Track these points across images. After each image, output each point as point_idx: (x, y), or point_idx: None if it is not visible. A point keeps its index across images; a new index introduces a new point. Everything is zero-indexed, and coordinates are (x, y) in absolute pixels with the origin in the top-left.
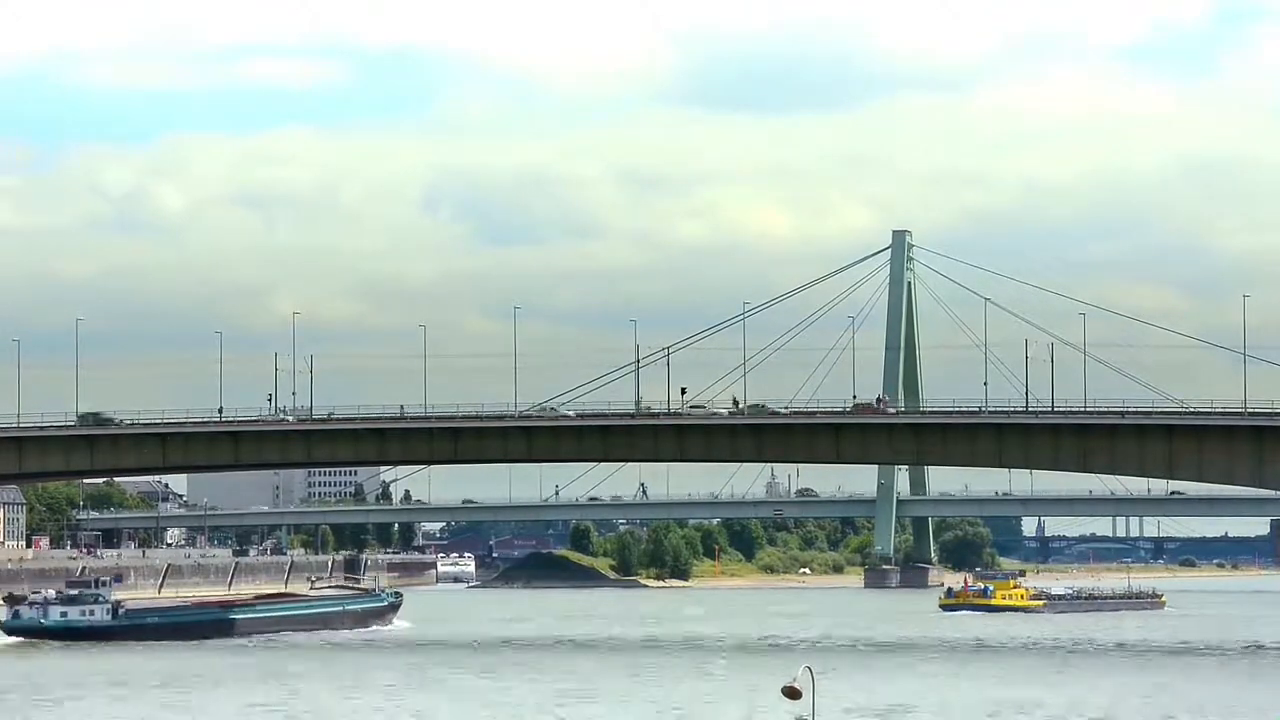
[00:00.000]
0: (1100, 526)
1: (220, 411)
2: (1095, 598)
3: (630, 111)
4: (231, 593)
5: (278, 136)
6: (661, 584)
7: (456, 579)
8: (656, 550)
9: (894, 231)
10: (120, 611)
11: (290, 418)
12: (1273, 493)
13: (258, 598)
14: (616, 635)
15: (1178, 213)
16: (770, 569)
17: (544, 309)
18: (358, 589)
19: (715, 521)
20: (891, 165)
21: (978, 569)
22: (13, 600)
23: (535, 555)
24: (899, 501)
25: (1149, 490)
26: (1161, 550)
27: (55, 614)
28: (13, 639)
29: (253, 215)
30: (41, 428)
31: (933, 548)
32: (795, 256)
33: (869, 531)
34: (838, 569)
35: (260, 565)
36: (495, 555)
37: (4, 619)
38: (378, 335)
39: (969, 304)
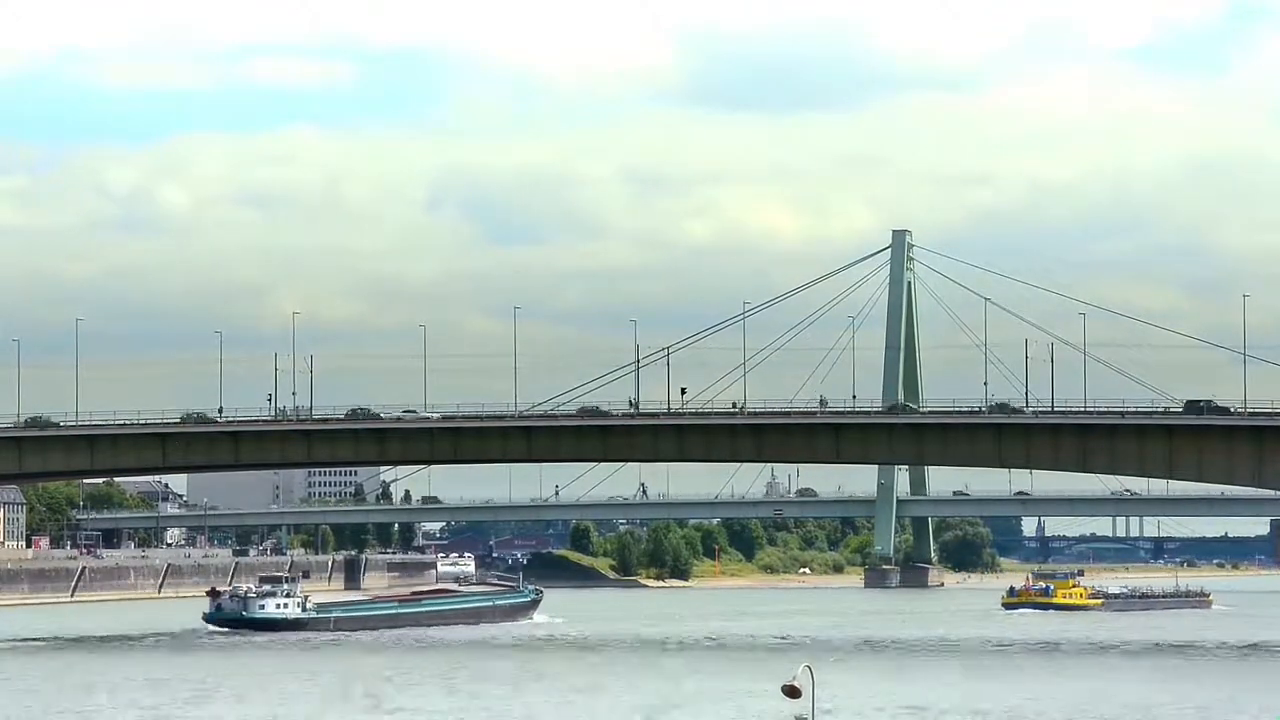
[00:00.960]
0: (1100, 526)
1: (220, 411)
2: (1147, 596)
3: (634, 111)
4: (392, 591)
5: (282, 136)
6: (661, 584)
7: (457, 579)
8: (656, 550)
9: (894, 231)
10: (308, 605)
11: (291, 417)
12: (1273, 493)
13: (414, 594)
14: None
15: (1181, 212)
16: (770, 569)
17: (546, 309)
18: (504, 586)
19: (715, 521)
20: (896, 165)
21: (1036, 568)
22: (214, 595)
23: (535, 555)
24: (899, 501)
25: (1149, 490)
26: (1161, 550)
27: (255, 607)
28: (216, 629)
29: (256, 215)
30: (42, 428)
31: (933, 548)
32: (799, 257)
33: (869, 531)
34: (838, 569)
35: (260, 565)
36: (495, 555)
37: (208, 611)
38: (380, 335)
39: (969, 304)
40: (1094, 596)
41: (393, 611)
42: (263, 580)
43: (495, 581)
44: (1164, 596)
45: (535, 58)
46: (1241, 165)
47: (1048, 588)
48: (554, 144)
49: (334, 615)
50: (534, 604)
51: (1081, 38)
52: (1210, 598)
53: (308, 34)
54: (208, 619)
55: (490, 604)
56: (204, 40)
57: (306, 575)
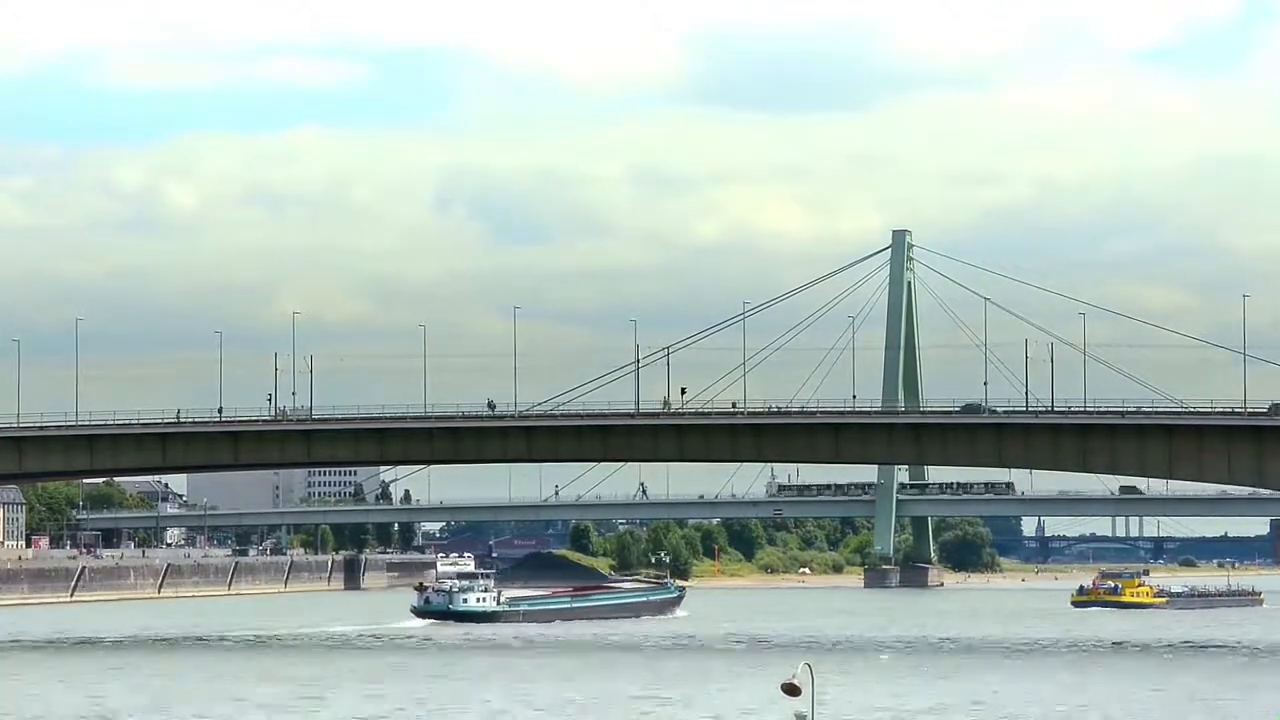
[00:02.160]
0: (1100, 526)
1: (220, 411)
2: (1204, 595)
3: (642, 111)
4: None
5: (291, 136)
6: None
7: (456, 578)
8: (656, 550)
9: (894, 231)
10: (502, 599)
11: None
12: (1273, 493)
13: (577, 589)
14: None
15: (1191, 212)
16: (770, 569)
17: (553, 309)
18: (654, 582)
19: (715, 521)
20: (905, 164)
21: (1103, 568)
22: (421, 589)
23: (535, 555)
24: (899, 501)
25: (1148, 489)
26: (1161, 550)
27: (459, 600)
28: (423, 620)
29: (263, 215)
30: (42, 427)
31: (932, 547)
32: (809, 256)
33: (869, 531)
34: (837, 569)
35: (260, 565)
36: (495, 555)
37: (415, 604)
38: (384, 335)
39: (969, 304)
40: (1158, 595)
41: (567, 605)
42: (459, 578)
43: (644, 579)
44: (1220, 595)
45: (544, 58)
46: (1252, 165)
47: (1116, 586)
48: (562, 144)
49: (521, 608)
50: (678, 600)
51: (1092, 37)
52: (1261, 596)
53: (318, 34)
54: (416, 611)
55: (644, 599)
56: (213, 40)
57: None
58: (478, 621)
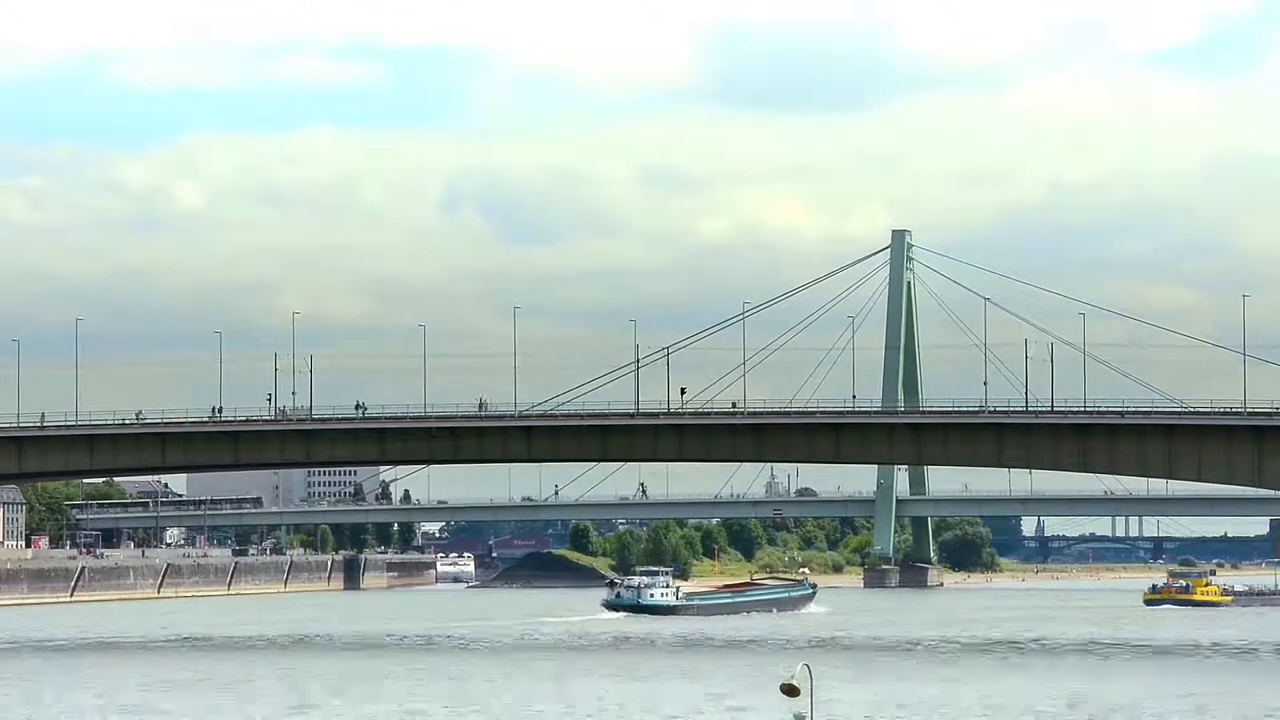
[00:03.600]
0: (1100, 526)
1: (220, 411)
2: (1264, 593)
3: (652, 111)
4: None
5: (300, 136)
6: None
7: (456, 579)
8: (656, 550)
9: (893, 231)
10: (680, 594)
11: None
12: (1273, 493)
13: (725, 586)
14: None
15: (1201, 211)
16: (770, 569)
17: (561, 309)
18: (791, 580)
19: (715, 521)
20: (915, 164)
21: (1172, 566)
22: (612, 586)
23: (534, 555)
24: (898, 501)
25: (1148, 490)
26: (1161, 550)
27: (646, 595)
28: (614, 614)
29: (270, 215)
30: (41, 428)
31: (932, 547)
32: (817, 257)
33: (868, 531)
34: (837, 569)
35: (260, 565)
36: (495, 555)
37: (607, 599)
38: (387, 335)
39: (969, 304)
40: (1225, 593)
41: (729, 600)
42: (642, 574)
43: (783, 576)
44: (1275, 593)
45: (555, 57)
46: (1263, 164)
47: (1187, 585)
48: (571, 143)
49: (695, 603)
50: (812, 595)
51: (1105, 38)
52: None
53: (332, 33)
54: (607, 605)
55: (787, 595)
56: (228, 40)
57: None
58: (661, 614)
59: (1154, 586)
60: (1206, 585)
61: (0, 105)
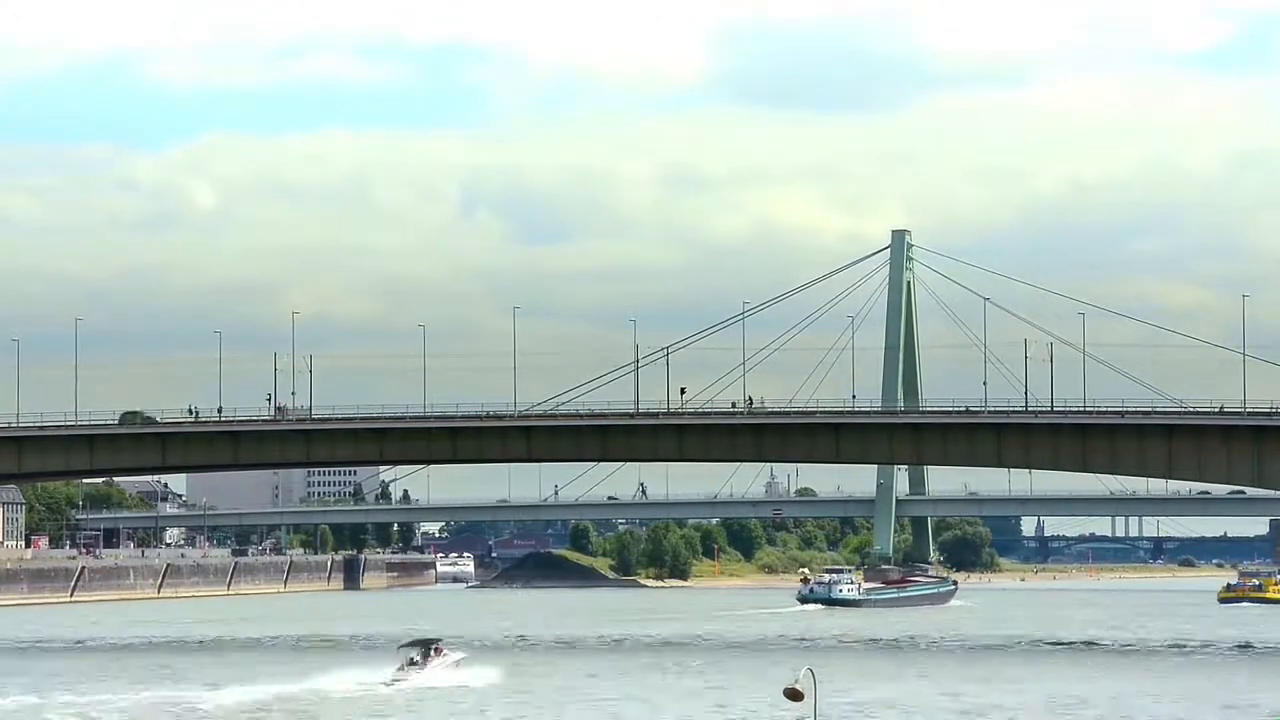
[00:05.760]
0: (1099, 526)
1: (220, 410)
2: None
3: (672, 109)
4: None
5: (317, 135)
6: (660, 584)
7: (456, 579)
8: (656, 550)
9: (893, 231)
10: (861, 589)
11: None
12: (1273, 493)
13: (888, 583)
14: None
15: (1220, 210)
16: (769, 569)
17: (569, 308)
18: (939, 577)
19: (714, 521)
20: (934, 163)
21: (1240, 567)
22: (805, 581)
23: (534, 555)
24: (898, 501)
25: (1148, 490)
26: (1161, 550)
27: (836, 590)
28: (807, 606)
29: (284, 214)
30: (41, 428)
31: (932, 547)
32: (836, 255)
33: (868, 531)
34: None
35: (259, 565)
36: (495, 555)
37: (801, 593)
38: (392, 334)
39: (969, 304)
40: None
41: (896, 595)
42: (829, 572)
43: (930, 575)
44: None
45: (574, 57)
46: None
47: (1259, 584)
48: (590, 143)
49: (873, 597)
50: (954, 591)
51: (1126, 38)
52: None
53: (352, 33)
54: (802, 599)
55: (937, 590)
56: (251, 39)
57: None
58: (849, 607)
59: (1228, 585)
60: (1276, 584)
61: (24, 105)
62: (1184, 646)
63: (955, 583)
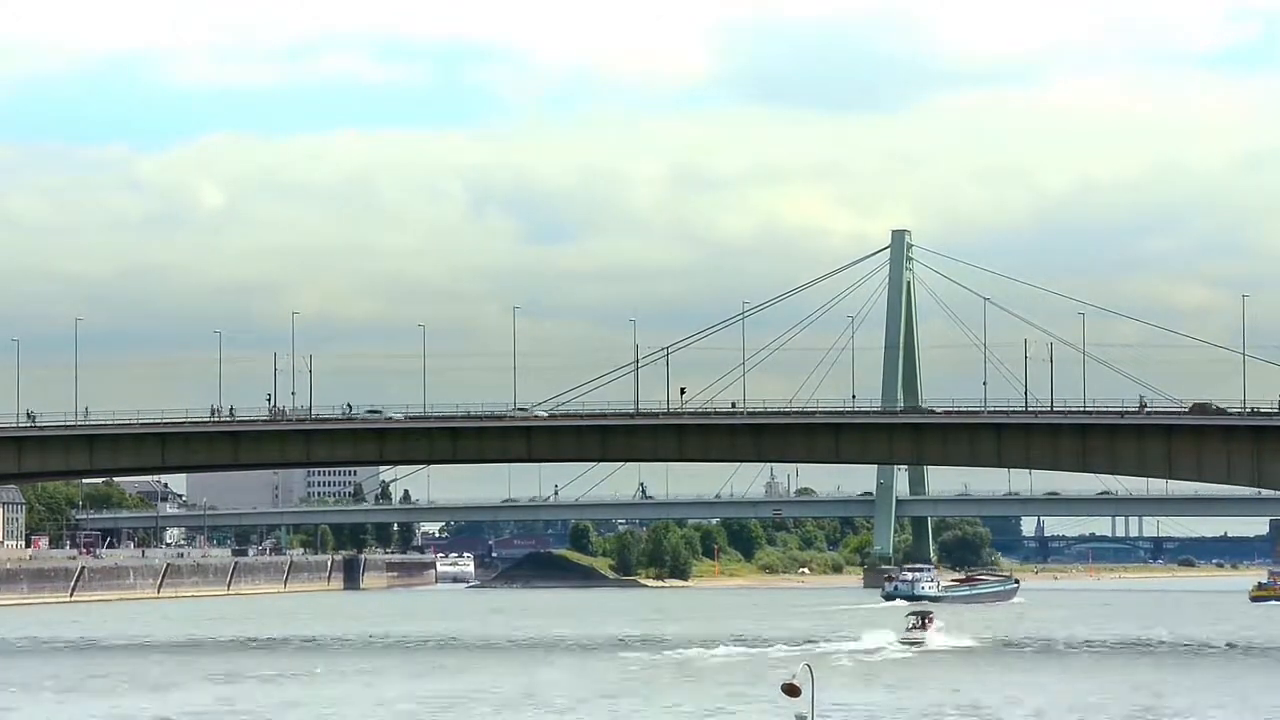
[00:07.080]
0: (1099, 526)
1: (215, 411)
2: None
3: (681, 109)
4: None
5: (326, 134)
6: (661, 584)
7: (456, 579)
8: (656, 550)
9: (893, 231)
10: (940, 585)
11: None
12: (1272, 493)
13: (960, 581)
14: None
15: (1226, 210)
16: (769, 569)
17: (574, 308)
18: (1003, 576)
19: (714, 521)
20: (942, 162)
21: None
22: (890, 580)
23: (534, 555)
24: (898, 501)
25: (1148, 490)
26: (1160, 550)
27: (917, 587)
28: (889, 603)
29: (291, 214)
30: (41, 428)
31: (932, 547)
32: (845, 255)
33: (868, 531)
34: (837, 569)
35: (259, 565)
36: (495, 555)
37: (886, 590)
38: (394, 334)
39: (969, 304)
40: None
41: (969, 592)
42: (905, 569)
43: (994, 574)
44: None
45: (583, 56)
46: None
47: None
48: (599, 142)
49: (950, 594)
50: (1016, 589)
51: (1136, 37)
52: None
53: (363, 33)
54: (887, 596)
55: (1002, 588)
56: (263, 40)
57: None
58: (930, 601)
59: (1259, 584)
60: None
61: (31, 104)
62: (1249, 647)
63: (1017, 580)
